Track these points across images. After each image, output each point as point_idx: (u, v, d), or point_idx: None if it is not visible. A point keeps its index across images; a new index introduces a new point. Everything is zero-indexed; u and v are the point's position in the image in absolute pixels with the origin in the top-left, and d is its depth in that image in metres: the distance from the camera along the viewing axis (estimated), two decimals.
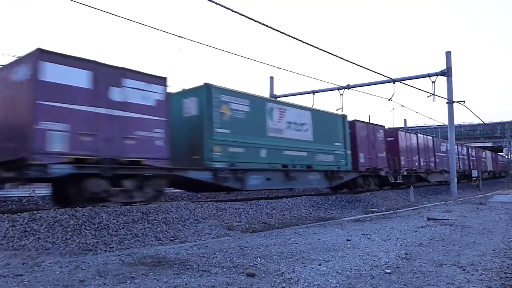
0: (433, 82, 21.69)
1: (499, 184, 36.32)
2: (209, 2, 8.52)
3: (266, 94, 27.49)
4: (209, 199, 13.60)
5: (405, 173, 22.12)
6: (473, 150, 38.71)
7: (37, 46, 8.40)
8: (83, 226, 7.21)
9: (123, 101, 9.42)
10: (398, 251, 5.43)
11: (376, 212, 12.14)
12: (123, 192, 9.38)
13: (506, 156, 60.71)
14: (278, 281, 3.94)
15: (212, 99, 11.67)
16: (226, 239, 7.00)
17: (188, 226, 8.50)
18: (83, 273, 4.19)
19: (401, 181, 21.31)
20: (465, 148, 36.04)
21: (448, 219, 8.99)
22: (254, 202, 11.77)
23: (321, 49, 12.82)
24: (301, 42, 11.58)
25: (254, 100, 13.15)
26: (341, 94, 24.11)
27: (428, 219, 9.11)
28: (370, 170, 18.96)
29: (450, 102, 21.72)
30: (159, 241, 7.14)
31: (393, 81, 21.86)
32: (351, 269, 4.42)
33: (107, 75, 9.18)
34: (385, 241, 6.27)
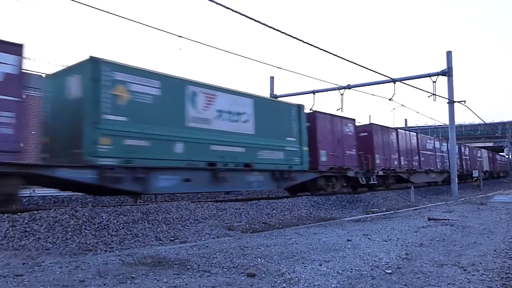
0: (434, 82, 21.69)
1: (500, 184, 36.28)
2: (209, 2, 8.52)
3: (267, 94, 27.55)
4: (209, 199, 13.60)
5: (380, 173, 19.86)
6: (467, 149, 36.93)
7: None
8: (83, 226, 7.22)
9: None
10: (398, 251, 5.43)
11: (377, 212, 12.14)
12: None
13: (507, 156, 60.56)
14: (278, 281, 3.93)
15: (100, 77, 9.23)
16: (227, 239, 6.99)
17: (188, 226, 8.51)
18: (83, 273, 4.18)
19: (374, 182, 18.94)
20: (456, 146, 33.94)
21: (449, 219, 8.97)
22: (255, 202, 11.77)
23: (321, 49, 12.82)
24: (301, 42, 11.59)
25: (167, 82, 10.64)
26: (342, 94, 24.09)
27: (429, 219, 9.10)
28: (335, 170, 16.49)
29: (451, 102, 21.71)
30: (159, 241, 7.13)
31: (394, 81, 21.85)
32: (351, 269, 4.41)
33: None
34: (385, 241, 6.26)
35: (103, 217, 7.74)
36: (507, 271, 4.34)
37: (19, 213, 7.23)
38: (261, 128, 13.12)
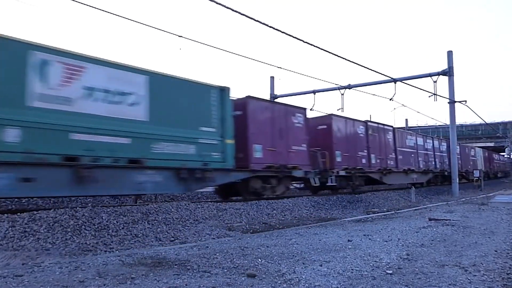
0: (435, 81, 21.69)
1: (501, 184, 36.25)
2: (209, 1, 8.51)
3: (267, 94, 27.56)
4: (209, 200, 13.59)
5: (342, 173, 16.71)
6: (457, 147, 34.58)
7: None
8: (83, 227, 7.21)
9: None
10: (399, 251, 5.41)
11: (377, 213, 12.13)
12: None
13: (508, 156, 60.36)
14: (278, 281, 3.92)
15: None
16: (227, 239, 6.98)
17: (188, 226, 8.50)
18: (83, 274, 4.17)
19: (333, 183, 16.08)
20: (444, 144, 30.31)
21: (450, 220, 8.95)
22: (255, 203, 11.76)
23: (322, 49, 12.81)
24: (302, 41, 11.58)
25: None
26: (342, 94, 24.08)
27: (430, 219, 9.08)
28: (274, 169, 13.42)
29: (452, 102, 21.71)
30: (159, 242, 7.13)
31: (395, 81, 21.84)
32: (352, 269, 4.40)
33: None
34: (386, 241, 6.24)
35: (103, 218, 7.74)
36: (508, 272, 4.32)
37: (18, 213, 7.23)
38: (159, 114, 10.27)
